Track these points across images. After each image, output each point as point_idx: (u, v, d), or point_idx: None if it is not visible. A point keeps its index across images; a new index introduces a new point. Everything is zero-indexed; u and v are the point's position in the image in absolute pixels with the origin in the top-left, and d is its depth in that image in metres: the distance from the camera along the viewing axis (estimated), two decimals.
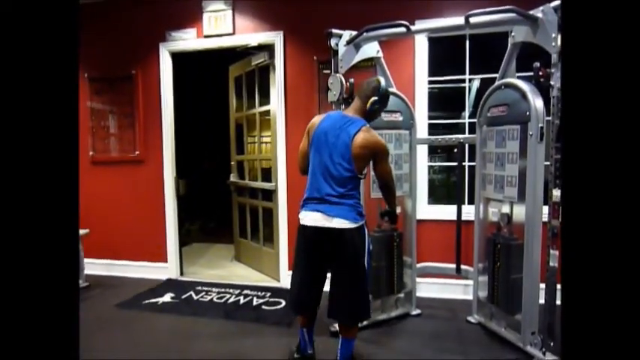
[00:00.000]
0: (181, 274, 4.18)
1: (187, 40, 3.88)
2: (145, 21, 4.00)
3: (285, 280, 3.78)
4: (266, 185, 4.04)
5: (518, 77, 2.62)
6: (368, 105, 2.21)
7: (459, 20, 2.45)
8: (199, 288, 3.76)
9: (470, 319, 2.97)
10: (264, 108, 4.02)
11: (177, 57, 4.03)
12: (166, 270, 4.11)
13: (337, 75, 2.72)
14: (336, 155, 2.12)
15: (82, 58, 4.14)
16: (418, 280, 3.18)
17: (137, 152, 4.08)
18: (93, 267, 4.14)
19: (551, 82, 2.22)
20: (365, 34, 2.70)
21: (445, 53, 3.56)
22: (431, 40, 3.42)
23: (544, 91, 2.34)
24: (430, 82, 3.45)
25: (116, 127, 4.18)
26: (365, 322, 2.85)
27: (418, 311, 3.10)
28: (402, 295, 3.10)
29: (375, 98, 2.20)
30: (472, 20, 2.42)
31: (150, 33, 3.97)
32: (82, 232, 3.83)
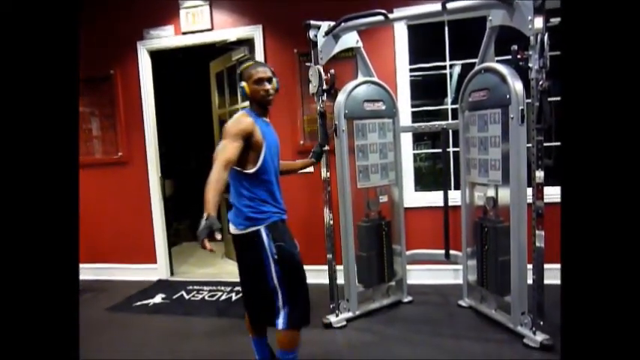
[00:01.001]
0: (172, 274, 4.16)
1: (165, 37, 3.82)
2: (121, 20, 3.92)
3: None
4: None
5: (498, 61, 2.63)
6: (244, 92, 1.99)
7: (437, 7, 2.45)
8: (190, 287, 3.74)
9: (461, 303, 3.00)
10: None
11: (157, 55, 3.97)
12: (156, 271, 4.08)
13: (316, 67, 2.71)
14: None
15: None
16: (408, 267, 3.21)
17: (120, 153, 4.03)
18: (82, 272, 4.07)
19: (530, 65, 2.24)
20: (343, 24, 2.69)
21: (425, 41, 3.56)
22: (411, 28, 3.42)
23: (523, 73, 2.35)
24: (412, 70, 3.45)
25: (98, 128, 4.12)
26: (357, 312, 2.87)
27: (410, 298, 3.13)
28: (393, 283, 3.12)
29: (239, 83, 2.00)
30: (449, 6, 2.42)
31: (127, 32, 3.90)
32: None
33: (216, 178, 1.73)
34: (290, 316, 1.94)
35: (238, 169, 1.88)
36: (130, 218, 4.08)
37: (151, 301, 3.47)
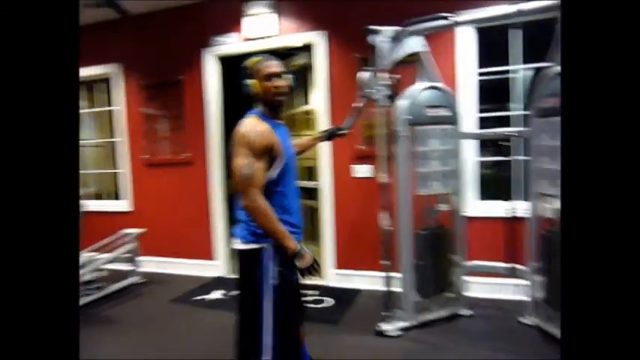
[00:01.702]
0: (232, 271, 4.30)
1: (230, 44, 3.98)
2: (190, 28, 4.14)
3: (330, 278, 3.79)
4: (310, 184, 4.06)
5: None
6: (251, 91, 1.72)
7: (508, 8, 2.35)
8: None
9: (523, 320, 2.83)
10: (306, 107, 4.05)
11: (223, 60, 4.14)
12: (217, 268, 4.24)
13: (362, 73, 2.73)
14: None
15: (135, 67, 4.37)
16: (468, 279, 3.08)
17: (186, 154, 4.24)
18: (147, 264, 4.34)
19: None
20: (407, 28, 2.65)
21: (495, 43, 3.42)
22: (479, 31, 3.30)
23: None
24: (480, 74, 3.32)
25: (167, 130, 4.37)
26: (412, 322, 2.81)
27: (468, 311, 3.00)
28: (451, 294, 3.01)
29: (245, 80, 1.71)
30: (522, 7, 2.31)
31: (195, 39, 4.11)
32: (138, 230, 4.03)
33: (265, 207, 1.58)
34: (276, 358, 1.65)
35: None
36: (194, 216, 4.28)
37: (210, 297, 3.61)
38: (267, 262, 1.65)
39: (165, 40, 4.24)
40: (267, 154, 1.63)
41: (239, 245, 1.72)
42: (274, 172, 1.67)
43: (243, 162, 1.59)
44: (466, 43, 3.29)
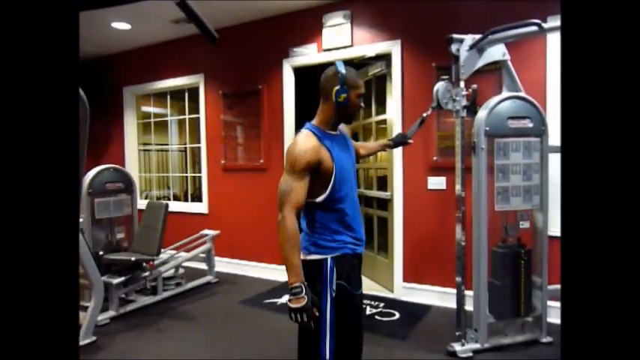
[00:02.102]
0: None
1: (308, 54, 4.08)
2: (270, 39, 4.31)
3: (399, 291, 3.71)
4: (381, 194, 4.02)
5: None
6: (333, 98, 1.66)
7: None
8: None
9: None
10: (381, 117, 4.03)
11: (300, 71, 4.26)
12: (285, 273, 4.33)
13: (441, 83, 2.64)
14: None
15: (217, 77, 4.64)
16: (550, 303, 2.86)
17: (262, 160, 4.40)
18: (222, 265, 4.55)
19: None
20: (490, 36, 2.54)
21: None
22: None
23: None
24: None
25: (244, 137, 4.57)
26: (486, 345, 2.66)
27: (549, 339, 2.78)
28: (530, 318, 2.81)
29: (337, 87, 1.65)
30: None
31: (275, 50, 4.27)
32: (213, 232, 4.24)
33: (293, 232, 1.55)
34: None
35: (308, 200, 1.64)
36: (266, 220, 4.42)
37: (279, 301, 3.69)
38: (327, 273, 1.64)
39: (246, 51, 4.46)
40: (311, 171, 1.60)
41: (302, 255, 1.69)
42: (328, 190, 1.65)
43: (284, 179, 1.61)
44: (556, 51, 3.09)
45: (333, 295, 1.63)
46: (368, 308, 3.46)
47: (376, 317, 3.27)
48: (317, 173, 1.61)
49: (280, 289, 4.03)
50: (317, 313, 1.55)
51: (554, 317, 2.96)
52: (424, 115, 2.59)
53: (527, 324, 2.82)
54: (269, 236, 4.41)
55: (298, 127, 4.29)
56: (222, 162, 4.67)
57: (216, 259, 4.37)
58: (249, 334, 3.07)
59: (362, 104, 1.76)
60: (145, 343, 2.92)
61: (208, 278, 4.24)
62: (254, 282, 4.28)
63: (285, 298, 3.74)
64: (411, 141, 2.46)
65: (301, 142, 1.63)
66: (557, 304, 3.00)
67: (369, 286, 4.05)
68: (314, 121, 1.73)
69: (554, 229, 2.97)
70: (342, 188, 1.67)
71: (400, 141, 2.43)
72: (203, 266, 4.32)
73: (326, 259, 1.65)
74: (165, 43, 4.99)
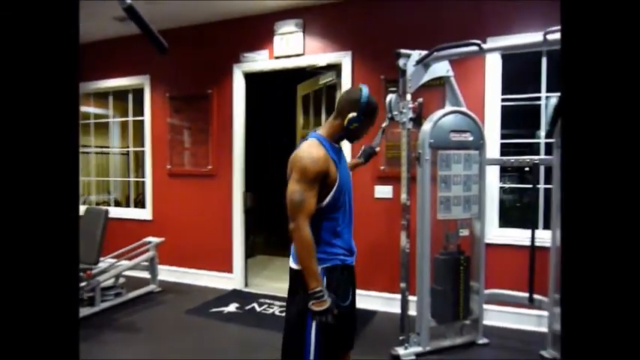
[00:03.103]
0: (246, 285, 4.32)
1: (259, 61, 4.07)
2: (221, 43, 4.26)
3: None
4: None
5: None
6: (345, 122, 1.70)
7: (535, 37, 2.36)
8: (262, 300, 3.86)
9: (544, 353, 2.76)
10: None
11: (250, 77, 4.24)
12: (232, 280, 4.27)
13: (392, 95, 2.75)
14: None
15: (164, 79, 4.50)
16: (486, 307, 3.03)
17: (209, 166, 4.32)
18: (166, 274, 4.40)
19: None
20: (435, 53, 2.68)
21: (519, 70, 3.42)
22: (504, 57, 3.31)
23: None
24: (504, 100, 3.32)
25: (191, 142, 4.46)
26: (427, 348, 2.77)
27: (485, 340, 2.94)
28: (468, 321, 2.97)
29: (354, 114, 1.69)
30: (550, 37, 2.32)
31: (226, 55, 4.22)
32: (157, 240, 4.09)
33: (308, 240, 1.57)
34: None
35: None
36: (213, 228, 4.33)
37: (226, 309, 3.63)
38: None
39: (195, 54, 4.37)
40: (320, 181, 1.61)
41: (293, 265, 1.71)
42: (327, 199, 1.64)
43: (295, 187, 1.59)
44: (494, 70, 3.30)
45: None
46: None
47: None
48: (322, 183, 1.62)
49: (227, 297, 3.96)
50: (336, 312, 1.57)
51: (490, 320, 3.14)
52: (383, 125, 2.68)
53: (465, 327, 2.97)
54: (216, 244, 4.33)
55: (248, 133, 4.28)
56: (168, 167, 4.53)
57: (160, 267, 4.21)
58: (197, 344, 2.99)
59: (369, 129, 1.81)
60: (86, 355, 2.75)
61: (151, 287, 4.08)
62: (200, 290, 4.17)
63: (231, 307, 3.68)
64: (377, 149, 2.48)
65: (312, 151, 1.62)
66: (493, 307, 3.19)
67: None
68: (321, 132, 1.73)
69: (491, 236, 3.16)
70: (340, 200, 1.68)
71: (369, 153, 2.41)
72: (146, 275, 4.15)
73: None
74: (108, 41, 4.78)
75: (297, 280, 1.67)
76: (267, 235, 6.32)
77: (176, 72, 4.47)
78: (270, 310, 3.60)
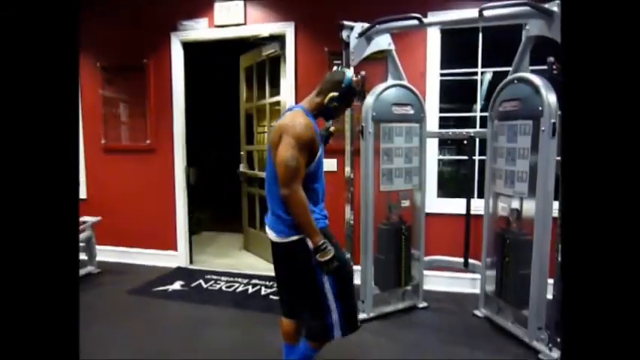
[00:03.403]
0: (191, 262, 4.24)
1: (199, 29, 3.88)
2: (156, 10, 4.00)
3: None
4: None
5: (532, 71, 2.59)
6: (326, 100, 1.82)
7: (473, 13, 2.43)
8: (209, 277, 3.82)
9: (477, 312, 2.98)
10: (275, 99, 4.03)
11: (189, 46, 4.04)
12: (176, 258, 4.17)
13: (338, 68, 2.72)
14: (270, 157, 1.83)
15: (93, 47, 4.18)
16: (426, 273, 3.20)
17: (148, 141, 4.12)
18: (105, 254, 4.20)
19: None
20: (377, 26, 2.68)
21: (458, 45, 3.53)
22: (443, 32, 3.39)
23: (558, 85, 2.31)
24: (442, 75, 3.42)
25: (128, 115, 4.22)
26: (372, 314, 2.88)
27: (425, 304, 3.12)
28: (409, 287, 3.12)
29: (335, 94, 1.81)
30: (486, 13, 2.39)
31: (161, 22, 3.98)
32: (94, 219, 3.89)
33: (305, 201, 1.69)
34: (344, 328, 1.83)
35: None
36: (155, 204, 4.18)
37: (170, 288, 3.55)
38: (313, 250, 1.73)
39: (128, 21, 4.08)
40: (309, 148, 1.71)
41: (276, 239, 1.81)
42: (311, 168, 1.75)
43: (289, 153, 1.67)
44: (434, 45, 3.37)
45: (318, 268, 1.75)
46: (263, 289, 3.50)
47: (271, 297, 3.33)
48: (309, 151, 1.72)
49: (171, 275, 3.87)
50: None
51: (429, 285, 3.32)
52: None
53: (406, 292, 3.12)
54: (158, 221, 4.19)
55: (189, 106, 4.11)
56: (103, 142, 4.27)
57: (98, 247, 4.02)
58: (141, 324, 2.91)
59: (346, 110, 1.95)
60: None
61: (89, 269, 3.89)
62: (142, 270, 4.04)
63: (176, 285, 3.61)
64: (332, 129, 2.31)
65: (302, 119, 1.73)
66: (432, 272, 3.37)
67: (264, 267, 4.09)
68: (304, 104, 1.86)
69: (430, 206, 3.31)
70: (319, 170, 1.82)
71: (328, 135, 2.27)
72: (83, 257, 3.95)
73: (304, 237, 1.74)
74: None
75: (290, 250, 1.78)
76: (213, 211, 6.21)
77: (108, 40, 4.15)
78: (217, 286, 3.58)
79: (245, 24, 3.75)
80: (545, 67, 2.29)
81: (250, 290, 3.48)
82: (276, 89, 3.99)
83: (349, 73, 1.85)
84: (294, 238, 1.77)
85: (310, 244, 1.72)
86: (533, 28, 2.49)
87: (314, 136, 1.73)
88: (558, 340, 2.35)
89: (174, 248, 4.18)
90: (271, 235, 1.84)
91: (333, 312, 1.80)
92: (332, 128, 2.38)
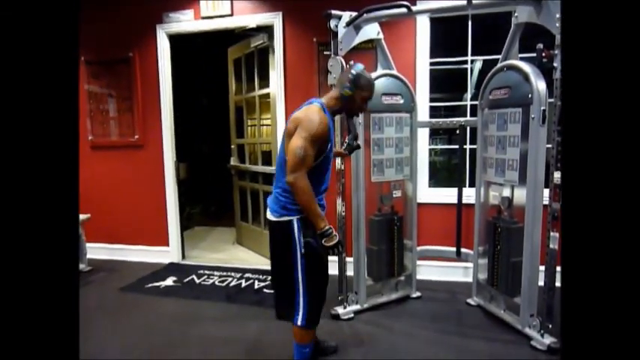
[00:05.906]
0: (183, 257, 4.21)
1: (185, 21, 3.82)
2: (141, 1, 3.92)
3: None
4: (267, 169, 4.03)
5: (521, 59, 2.58)
6: (340, 89, 1.96)
7: (461, 1, 2.40)
8: (201, 272, 3.79)
9: (469, 301, 3.00)
10: (264, 91, 3.98)
11: (176, 39, 3.97)
12: (168, 254, 4.14)
13: (337, 57, 2.68)
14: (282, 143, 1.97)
15: (78, 41, 4.08)
16: (418, 262, 3.20)
17: (136, 136, 4.06)
18: (95, 251, 4.16)
19: (554, 64, 2.19)
20: (365, 15, 2.65)
21: (447, 34, 3.50)
22: (433, 21, 3.36)
23: (547, 73, 2.30)
24: (432, 64, 3.40)
25: (115, 110, 4.15)
26: (365, 305, 2.89)
27: (418, 294, 3.13)
28: (402, 277, 3.12)
29: (347, 84, 1.94)
30: (474, 1, 2.37)
31: (147, 14, 3.90)
32: (83, 217, 3.84)
33: (309, 189, 1.80)
34: (307, 316, 1.96)
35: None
36: (145, 201, 4.13)
37: (163, 284, 3.53)
38: (296, 233, 1.90)
39: (113, 13, 3.99)
40: (320, 143, 1.83)
41: (271, 217, 1.96)
42: (319, 162, 1.87)
43: (300, 144, 1.78)
44: (423, 33, 3.34)
45: (303, 251, 1.90)
46: (256, 282, 3.49)
47: (264, 290, 3.32)
48: (321, 145, 1.84)
49: (163, 271, 3.84)
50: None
51: (422, 274, 3.33)
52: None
53: (400, 282, 3.12)
54: (149, 217, 4.14)
55: (178, 100, 4.05)
56: (90, 138, 4.20)
57: (88, 245, 3.98)
58: (134, 321, 2.89)
59: (366, 107, 2.05)
60: None
61: (80, 267, 3.85)
62: (134, 267, 4.00)
63: (168, 281, 3.58)
64: (356, 143, 2.30)
65: (320, 115, 1.84)
66: (425, 262, 3.37)
67: (257, 261, 4.08)
68: (323, 100, 1.97)
69: (422, 196, 3.30)
70: (326, 164, 1.94)
71: (354, 145, 2.27)
72: None
73: (292, 220, 1.90)
74: None
75: (280, 230, 1.93)
76: (205, 206, 6.17)
77: (91, 33, 4.06)
78: (210, 281, 3.56)
79: (232, 15, 3.69)
80: (534, 54, 2.27)
81: (243, 284, 3.46)
82: (265, 81, 3.95)
83: (360, 64, 1.99)
84: (284, 219, 1.91)
85: (296, 227, 1.89)
86: (522, 14, 2.47)
87: (326, 132, 1.84)
88: (550, 326, 2.37)
89: (166, 244, 4.14)
90: (268, 213, 1.99)
91: (299, 294, 1.94)
92: (356, 142, 2.32)
